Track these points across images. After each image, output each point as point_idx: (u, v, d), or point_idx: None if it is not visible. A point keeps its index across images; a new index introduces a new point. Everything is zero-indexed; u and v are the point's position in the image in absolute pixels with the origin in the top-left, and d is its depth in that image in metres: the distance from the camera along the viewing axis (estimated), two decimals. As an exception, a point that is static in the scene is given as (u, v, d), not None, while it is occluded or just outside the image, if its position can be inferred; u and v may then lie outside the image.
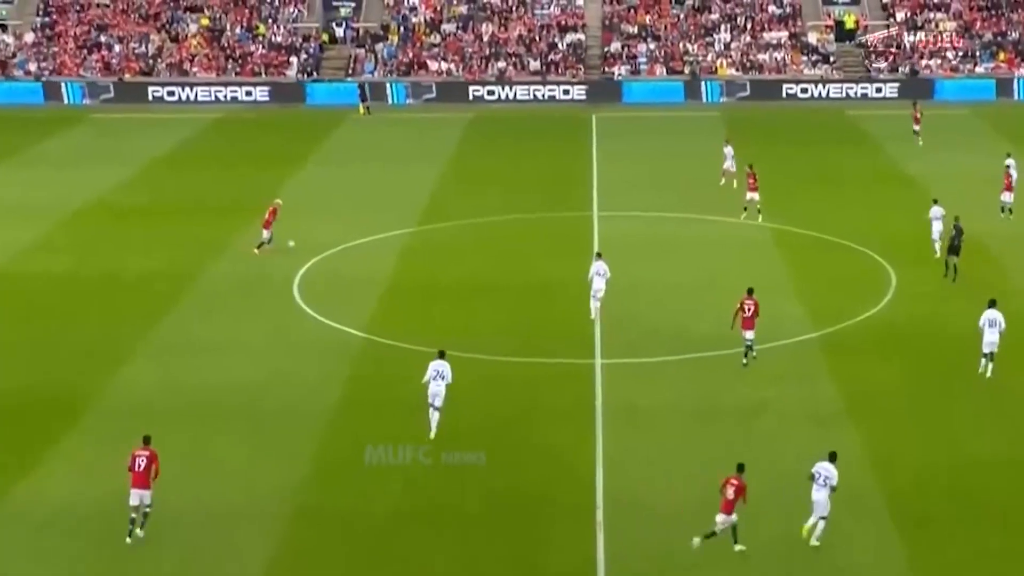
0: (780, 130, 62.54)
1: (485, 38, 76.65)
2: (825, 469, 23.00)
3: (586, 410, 28.70)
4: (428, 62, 74.92)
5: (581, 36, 76.50)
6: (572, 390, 29.95)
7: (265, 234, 41.28)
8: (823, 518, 22.78)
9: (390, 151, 59.66)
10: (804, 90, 71.80)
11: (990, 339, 30.17)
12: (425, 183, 51.81)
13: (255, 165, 56.04)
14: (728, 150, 50.31)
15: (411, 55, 75.52)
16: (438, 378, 27.36)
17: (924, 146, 56.66)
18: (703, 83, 72.10)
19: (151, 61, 74.87)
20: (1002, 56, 73.01)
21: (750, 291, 31.77)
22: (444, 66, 74.62)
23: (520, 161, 56.62)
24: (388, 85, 72.77)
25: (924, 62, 73.25)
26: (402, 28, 77.50)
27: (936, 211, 40.43)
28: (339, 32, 77.86)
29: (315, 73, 74.97)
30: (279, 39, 76.82)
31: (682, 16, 77.71)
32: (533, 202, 48.16)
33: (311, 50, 76.10)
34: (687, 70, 73.51)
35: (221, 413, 28.78)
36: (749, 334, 31.05)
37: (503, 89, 72.32)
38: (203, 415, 28.48)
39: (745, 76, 72.93)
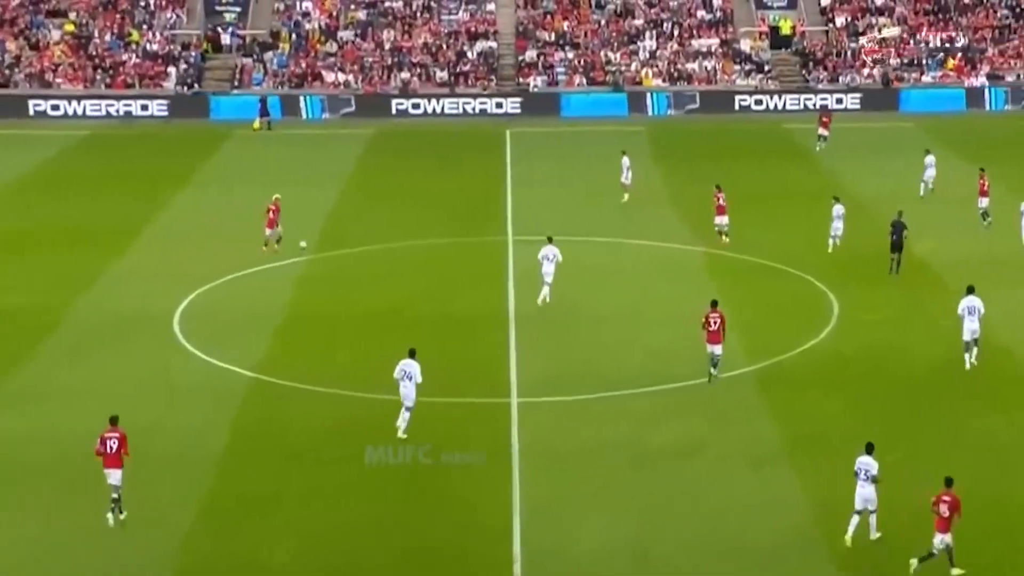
0: (713, 145, 63.58)
1: (387, 46, 77.01)
2: (865, 463, 24.83)
3: (502, 454, 28.87)
4: (323, 73, 75.03)
5: (493, 44, 77.18)
6: (486, 432, 30.09)
7: (269, 232, 44.26)
8: (873, 511, 24.73)
9: (284, 170, 59.58)
10: (758, 101, 73.04)
11: (971, 327, 32.85)
12: (322, 206, 51.83)
13: (129, 187, 55.64)
14: (625, 161, 51.47)
15: (304, 65, 75.58)
16: (405, 379, 29.30)
17: (867, 162, 58.03)
18: (649, 95, 72.99)
19: (7, 71, 73.98)
20: (950, 63, 75.04)
21: (714, 304, 32.90)
22: (341, 77, 74.77)
23: (427, 181, 56.88)
24: (303, 98, 72.69)
25: (866, 71, 75.01)
26: (294, 35, 77.57)
27: (838, 209, 43.61)
28: (223, 39, 77.65)
29: (196, 85, 74.65)
30: (155, 47, 76.41)
31: (603, 22, 78.78)
32: (441, 226, 48.41)
33: (192, 59, 75.79)
34: (609, 80, 74.47)
35: (92, 466, 28.47)
36: (715, 348, 32.33)
37: (429, 103, 72.58)
38: (70, 468, 28.12)
39: (674, 87, 74.07)
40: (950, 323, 36.76)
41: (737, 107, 72.79)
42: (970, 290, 33.90)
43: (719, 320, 32.49)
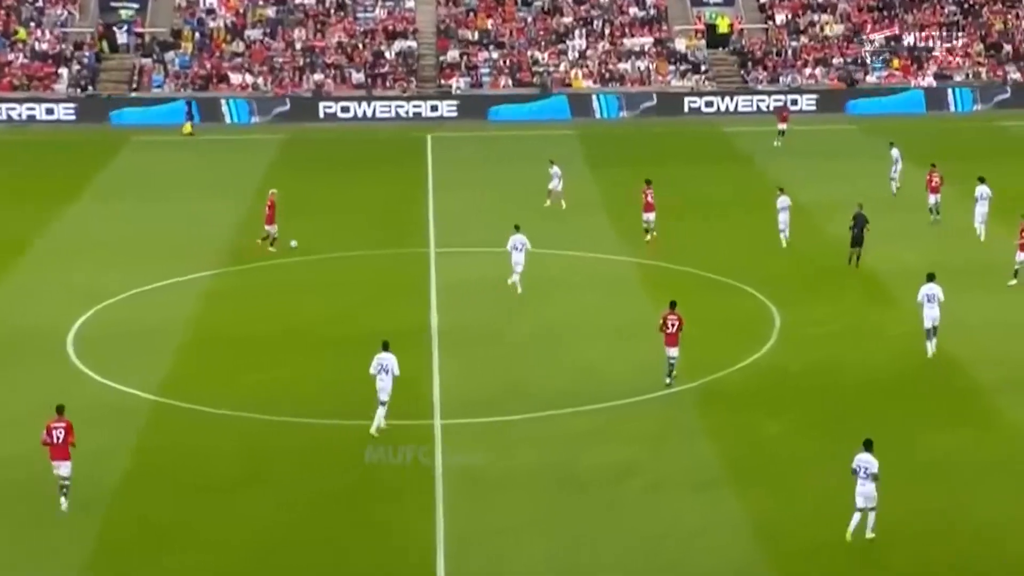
0: (651, 150, 64.02)
1: (298, 46, 76.85)
2: (864, 461, 25.97)
3: (424, 479, 28.90)
4: (230, 74, 74.72)
5: (412, 43, 77.32)
6: (410, 456, 30.06)
7: (270, 229, 45.82)
8: (873, 509, 25.81)
9: (192, 178, 59.29)
10: (709, 103, 73.73)
11: (931, 314, 34.99)
12: (230, 216, 51.60)
13: (17, 197, 55.01)
14: (555, 170, 52.16)
15: (209, 66, 75.23)
16: (382, 372, 30.73)
17: (813, 167, 58.81)
18: (597, 97, 73.29)
19: None
20: (896, 63, 76.24)
21: (672, 305, 33.92)
22: (249, 79, 74.51)
23: (342, 189, 56.82)
24: (225, 102, 72.27)
25: (808, 71, 76.02)
26: (197, 34, 77.21)
27: (783, 201, 45.51)
28: (120, 38, 77.06)
29: (91, 87, 74.04)
30: (44, 47, 75.67)
31: (530, 20, 79.21)
32: (358, 238, 48.35)
33: (85, 60, 75.15)
34: (536, 82, 74.86)
35: (-22, 498, 28.14)
36: (672, 351, 33.38)
37: (359, 105, 72.60)
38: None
39: (606, 88, 74.65)
40: (900, 332, 37.47)
41: (687, 109, 73.48)
42: (930, 277, 35.67)
43: (677, 322, 33.41)
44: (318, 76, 74.74)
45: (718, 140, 67.55)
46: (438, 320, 39.18)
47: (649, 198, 47.01)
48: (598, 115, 73.14)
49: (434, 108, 73.06)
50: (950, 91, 74.47)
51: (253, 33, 77.65)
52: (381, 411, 30.84)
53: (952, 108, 74.22)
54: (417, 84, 75.36)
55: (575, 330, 38.48)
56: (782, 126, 65.04)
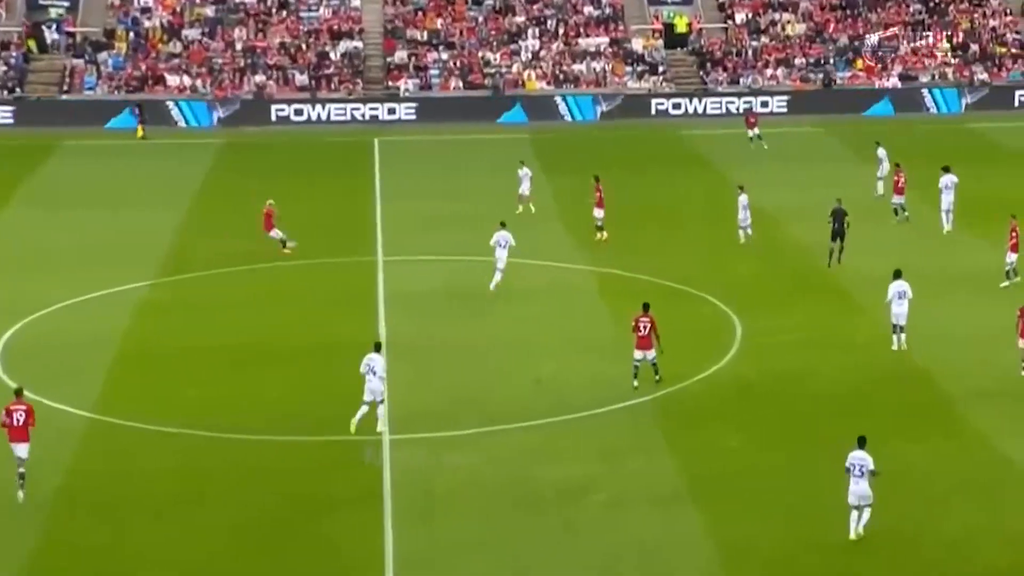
0: (609, 154, 64.15)
1: (239, 46, 76.65)
2: (859, 458, 26.66)
3: (372, 496, 28.85)
4: (167, 76, 74.42)
5: (358, 44, 77.30)
6: (356, 474, 30.05)
7: (273, 234, 46.93)
8: (869, 506, 26.48)
9: (127, 185, 59.08)
10: (677, 105, 74.13)
11: (899, 311, 36.58)
12: (168, 224, 51.38)
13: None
14: (524, 172, 52.42)
15: (144, 67, 74.89)
16: (370, 374, 31.61)
17: (774, 174, 59.14)
18: (565, 99, 73.36)
19: None
20: (860, 64, 76.87)
21: (645, 307, 34.67)
22: (187, 81, 74.24)
23: (286, 196, 56.56)
24: (176, 104, 71.84)
25: (769, 71, 76.51)
26: (132, 34, 76.86)
27: (743, 199, 46.63)
28: (49, 38, 76.57)
29: (19, 89, 73.53)
30: (-32, 46, 75.16)
31: (481, 20, 79.35)
32: (302, 246, 48.21)
33: (12, 60, 74.64)
34: (488, 84, 74.97)
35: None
36: (640, 354, 34.28)
37: (313, 108, 72.76)
38: None
39: (558, 90, 74.87)
40: (866, 341, 37.80)
41: (654, 111, 73.90)
42: (897, 274, 37.03)
43: (649, 324, 34.13)
44: (260, 78, 74.57)
45: (679, 143, 67.81)
46: (386, 331, 39.11)
47: (601, 194, 47.98)
48: (560, 118, 73.20)
49: (391, 111, 73.05)
50: (928, 92, 75.16)
51: (191, 33, 77.38)
52: (381, 409, 31.93)
53: (934, 109, 74.88)
54: (364, 86, 75.29)
55: (529, 341, 38.53)
56: (753, 131, 65.29)
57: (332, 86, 74.82)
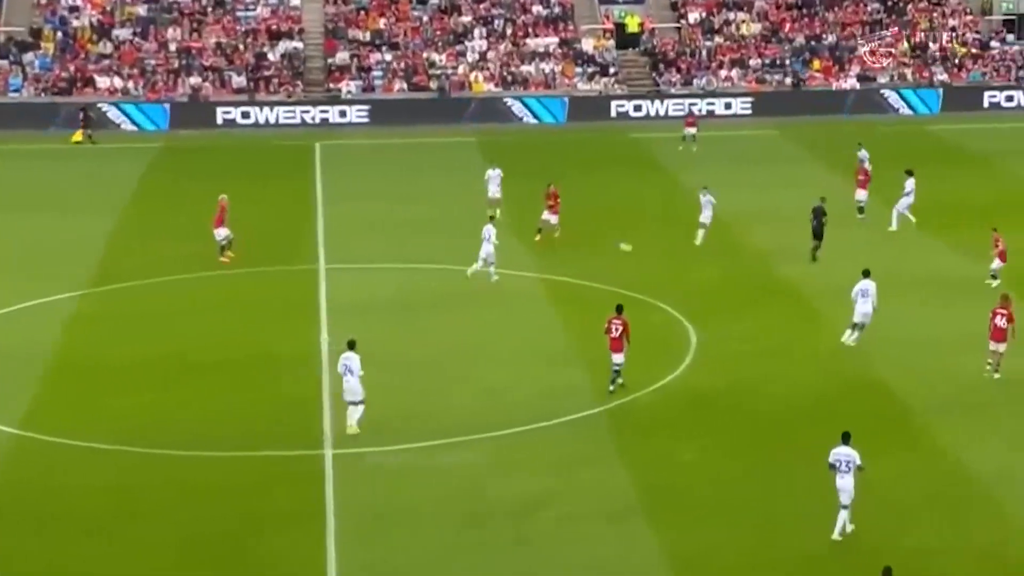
0: (560, 157, 64.24)
1: (172, 47, 76.34)
2: (844, 454, 27.45)
3: (315, 517, 28.80)
4: (96, 77, 74.01)
5: (298, 44, 77.16)
6: (297, 491, 30.00)
7: (221, 233, 46.75)
8: (846, 507, 27.19)
9: (57, 191, 58.68)
10: (638, 107, 74.42)
11: (862, 310, 37.88)
12: (99, 232, 51.11)
13: None
14: (494, 173, 52.93)
15: (73, 68, 74.45)
16: (347, 373, 32.37)
17: (731, 177, 59.53)
18: (522, 101, 73.56)
19: None
20: (817, 64, 77.43)
21: (619, 308, 35.56)
22: (118, 83, 73.86)
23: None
24: (113, 107, 71.28)
25: (723, 72, 76.93)
26: (60, 34, 76.38)
27: (707, 198, 48.30)
28: (-29, 38, 76.08)
29: (-60, 91, 73.00)
30: None
31: (426, 19, 79.37)
32: (240, 254, 48.03)
33: (-68, 61, 74.10)
34: (433, 85, 75.02)
35: None
36: (616, 357, 34.76)
37: (261, 111, 72.56)
38: None
39: (507, 92, 75.02)
40: (825, 350, 38.13)
41: (614, 114, 74.25)
42: (866, 273, 38.42)
43: (621, 326, 34.72)
44: (195, 79, 74.27)
45: (632, 147, 68.02)
46: (329, 342, 39.03)
47: (551, 200, 48.87)
48: (509, 120, 73.40)
49: (335, 113, 72.94)
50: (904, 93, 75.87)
51: (122, 33, 76.97)
52: (353, 410, 32.53)
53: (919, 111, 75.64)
54: (304, 88, 75.15)
55: (477, 351, 38.58)
56: (690, 131, 66.10)
57: (271, 88, 74.63)
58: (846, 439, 27.80)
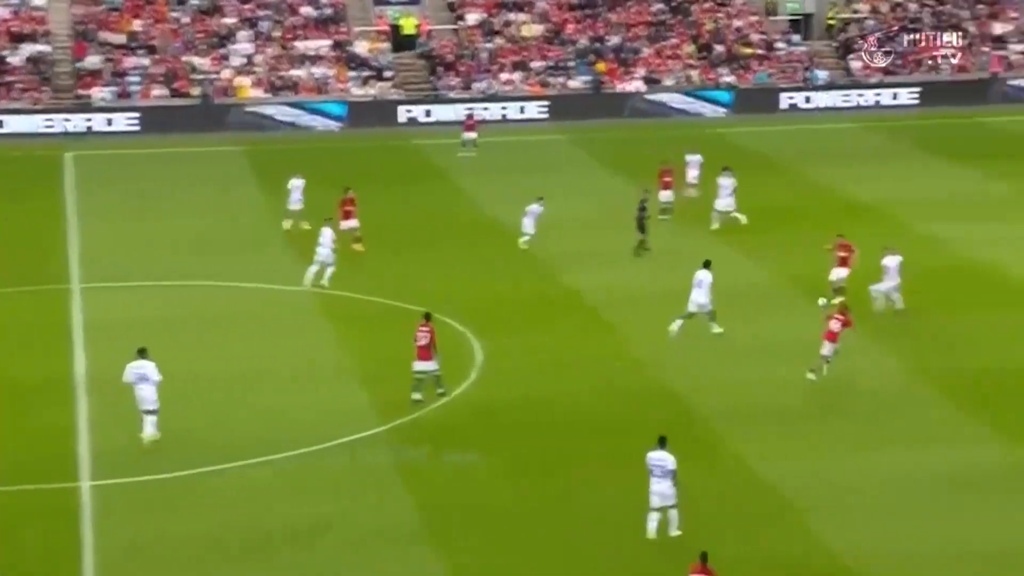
0: (338, 166, 63.78)
1: (-102, 51, 73.90)
2: (659, 458, 28.33)
3: (70, 555, 28.03)
4: None
5: (43, 47, 75.37)
6: (51, 528, 29.24)
7: None
8: (673, 507, 28.22)
9: None
10: (428, 112, 74.10)
11: (695, 298, 39.81)
12: None
13: None
14: (297, 182, 52.70)
15: None
16: (140, 382, 32.74)
17: (517, 185, 59.87)
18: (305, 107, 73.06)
19: None
20: (602, 66, 78.45)
21: (427, 316, 36.43)
22: None
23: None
24: None
25: (505, 76, 77.43)
26: None
27: (534, 208, 49.52)
28: None
29: None
30: None
31: (186, 21, 78.29)
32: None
33: None
34: (196, 92, 73.98)
35: None
36: (425, 365, 35.55)
37: (39, 120, 70.70)
38: None
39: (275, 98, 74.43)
40: (615, 362, 38.54)
41: (404, 119, 74.23)
42: (705, 264, 40.51)
43: (428, 335, 35.49)
44: (-72, 86, 72.04)
45: (415, 153, 67.88)
46: (86, 365, 38.33)
47: (349, 206, 49.34)
48: (279, 128, 72.81)
49: (97, 122, 71.52)
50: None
51: None
52: (149, 419, 32.78)
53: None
54: (52, 95, 73.38)
55: (252, 371, 38.18)
56: (469, 135, 66.41)
57: (14, 94, 72.70)
58: (662, 443, 28.53)
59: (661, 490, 28.17)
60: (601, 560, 27.91)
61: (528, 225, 49.31)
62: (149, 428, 32.75)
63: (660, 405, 35.65)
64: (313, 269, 45.06)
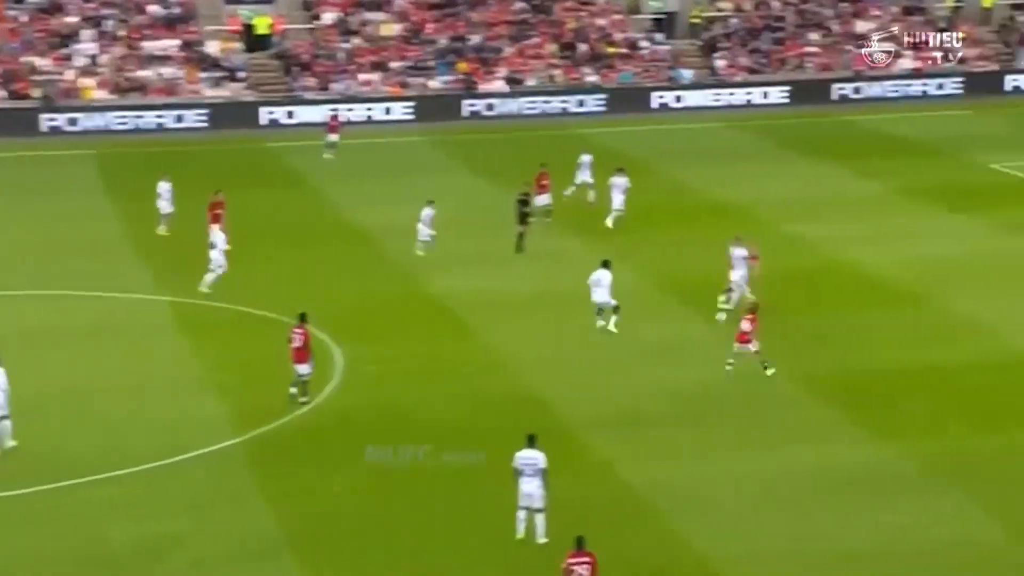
0: (188, 171, 63.19)
1: None
2: (530, 457, 28.64)
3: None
4: None
5: None
6: None
7: None
8: (540, 511, 28.36)
9: None
10: (288, 114, 73.66)
11: (594, 297, 41.22)
12: None
13: None
14: (166, 185, 52.45)
15: None
16: None
17: (376, 189, 59.86)
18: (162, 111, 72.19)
19: None
20: (463, 65, 78.58)
21: (301, 317, 36.73)
22: None
23: None
24: None
25: (363, 76, 77.29)
26: None
27: (427, 212, 49.65)
28: None
29: None
30: None
31: (25, 20, 77.23)
32: None
33: None
34: (38, 94, 72.95)
35: None
36: (299, 368, 36.05)
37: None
38: None
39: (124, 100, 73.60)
40: (477, 368, 38.66)
41: (265, 121, 73.45)
42: (604, 264, 41.46)
43: (302, 337, 36.06)
44: None
45: (273, 157, 67.49)
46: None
47: (218, 209, 49.29)
48: (119, 132, 71.97)
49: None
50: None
51: None
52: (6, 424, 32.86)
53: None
54: None
55: (96, 384, 37.76)
56: (332, 137, 66.31)
57: None
58: (531, 442, 28.79)
59: (530, 490, 28.42)
60: (471, 563, 27.99)
61: (423, 232, 49.04)
62: (6, 435, 32.89)
63: (524, 411, 35.71)
64: (210, 276, 45.23)
